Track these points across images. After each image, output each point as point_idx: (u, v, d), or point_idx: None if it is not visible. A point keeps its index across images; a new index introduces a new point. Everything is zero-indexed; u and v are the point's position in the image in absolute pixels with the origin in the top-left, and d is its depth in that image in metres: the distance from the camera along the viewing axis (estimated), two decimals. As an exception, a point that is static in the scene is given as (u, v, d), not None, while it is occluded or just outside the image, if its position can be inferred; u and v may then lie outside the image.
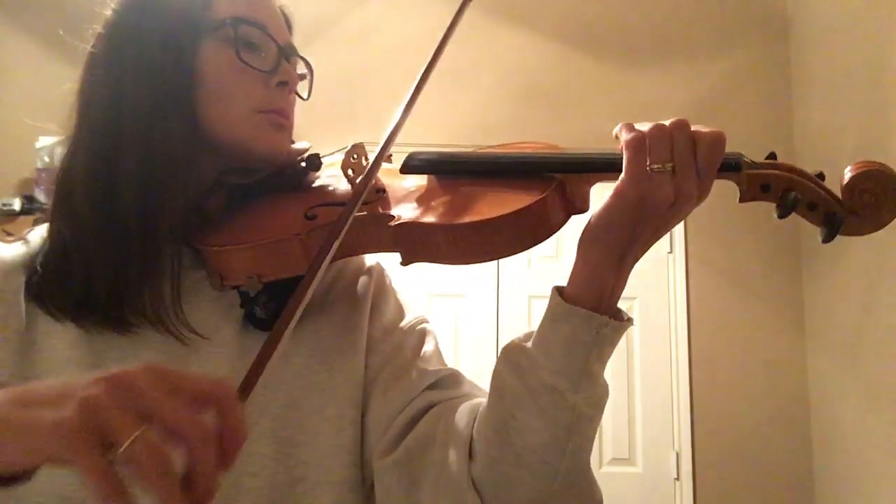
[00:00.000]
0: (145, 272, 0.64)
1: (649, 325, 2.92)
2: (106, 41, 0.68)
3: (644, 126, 0.58)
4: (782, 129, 2.97)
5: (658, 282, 2.93)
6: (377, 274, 0.79)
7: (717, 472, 2.79)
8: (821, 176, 0.61)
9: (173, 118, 0.65)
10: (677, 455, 2.81)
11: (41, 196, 2.96)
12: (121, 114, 0.65)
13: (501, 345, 3.31)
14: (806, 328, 2.83)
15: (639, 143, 0.57)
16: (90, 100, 0.67)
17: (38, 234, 0.70)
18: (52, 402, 0.39)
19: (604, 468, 2.82)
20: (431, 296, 2.97)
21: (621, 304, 0.62)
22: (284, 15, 0.76)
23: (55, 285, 0.64)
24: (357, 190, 0.61)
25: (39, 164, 2.98)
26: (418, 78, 0.68)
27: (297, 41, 0.79)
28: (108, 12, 0.69)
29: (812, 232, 0.63)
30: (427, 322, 0.78)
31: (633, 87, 3.10)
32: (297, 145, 0.75)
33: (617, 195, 0.58)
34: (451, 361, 2.93)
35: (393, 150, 0.68)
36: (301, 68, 0.76)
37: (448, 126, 3.13)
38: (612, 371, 2.87)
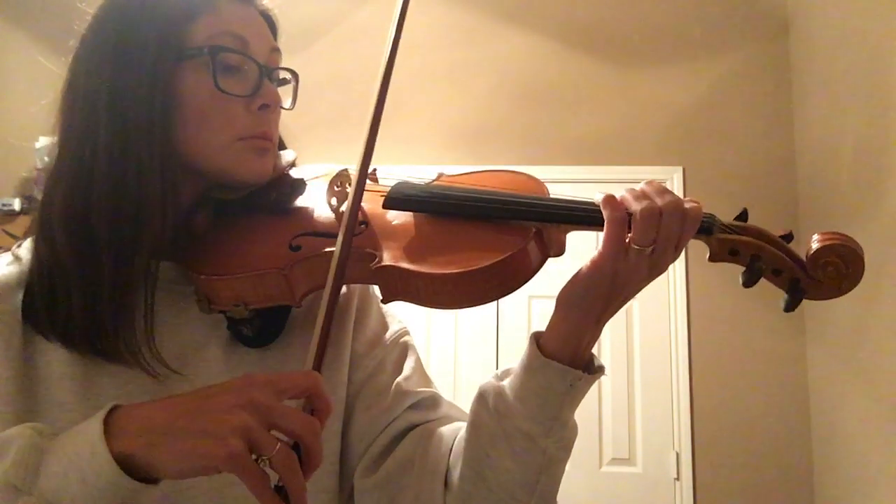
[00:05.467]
0: (118, 307, 0.62)
1: (649, 325, 2.92)
2: (84, 65, 0.65)
3: (636, 203, 0.58)
4: (782, 129, 2.97)
5: (658, 282, 2.90)
6: (361, 286, 0.79)
7: (717, 472, 2.79)
8: (788, 237, 0.63)
9: (146, 148, 0.63)
10: (677, 455, 2.81)
11: (41, 196, 2.96)
12: (96, 144, 0.63)
13: (501, 345, 3.28)
14: (806, 328, 2.83)
15: (621, 223, 0.58)
16: (69, 127, 0.65)
17: (27, 248, 0.68)
18: (203, 435, 0.48)
19: (604, 468, 2.82)
20: (431, 296, 2.96)
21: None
22: (269, 18, 0.73)
23: (42, 310, 0.63)
24: (341, 250, 0.61)
25: (39, 164, 2.98)
26: (375, 99, 0.67)
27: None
28: (85, 32, 0.66)
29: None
30: (408, 335, 0.80)
31: (632, 88, 3.10)
32: (284, 155, 0.74)
33: (594, 267, 0.59)
34: (451, 361, 2.92)
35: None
36: (284, 72, 0.74)
37: (447, 127, 3.13)
38: (613, 372, 2.87)
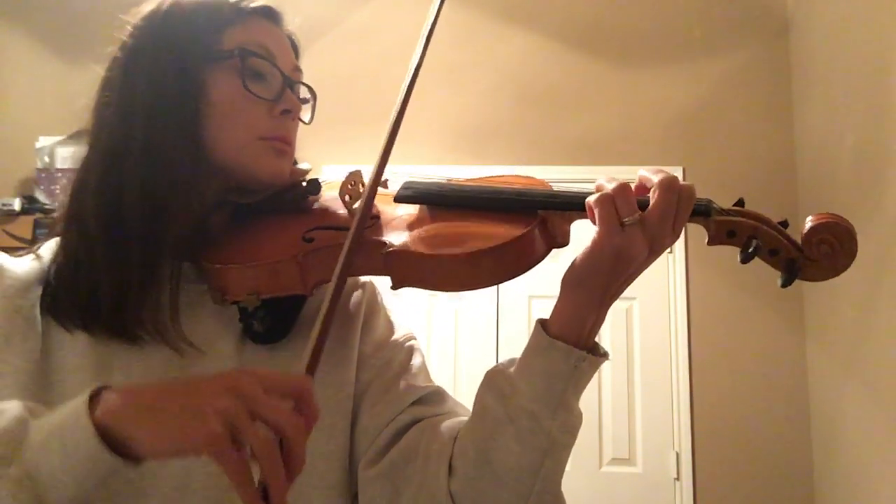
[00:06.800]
0: (145, 288, 0.67)
1: (649, 325, 2.92)
2: (121, 66, 0.72)
3: (608, 184, 0.62)
4: (782, 130, 2.97)
5: (658, 282, 2.92)
6: (369, 291, 0.83)
7: (717, 472, 2.79)
8: (784, 223, 0.66)
9: (178, 143, 0.69)
10: (677, 455, 2.81)
11: (41, 196, 2.96)
12: (129, 137, 0.69)
13: (501, 345, 3.28)
14: (806, 328, 2.83)
15: (607, 200, 0.61)
16: (102, 121, 0.71)
17: (49, 248, 0.73)
18: (186, 414, 0.49)
19: (604, 468, 2.82)
20: (432, 295, 2.97)
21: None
22: (294, 42, 0.79)
23: (65, 295, 0.67)
24: (356, 228, 0.65)
25: (39, 164, 2.98)
26: (400, 101, 0.70)
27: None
28: (125, 37, 0.73)
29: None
30: (415, 339, 0.83)
31: (632, 88, 3.10)
32: (300, 166, 0.79)
33: (594, 246, 0.62)
34: (451, 361, 2.93)
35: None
36: (304, 93, 0.80)
37: (447, 127, 3.13)
38: (613, 372, 2.88)
